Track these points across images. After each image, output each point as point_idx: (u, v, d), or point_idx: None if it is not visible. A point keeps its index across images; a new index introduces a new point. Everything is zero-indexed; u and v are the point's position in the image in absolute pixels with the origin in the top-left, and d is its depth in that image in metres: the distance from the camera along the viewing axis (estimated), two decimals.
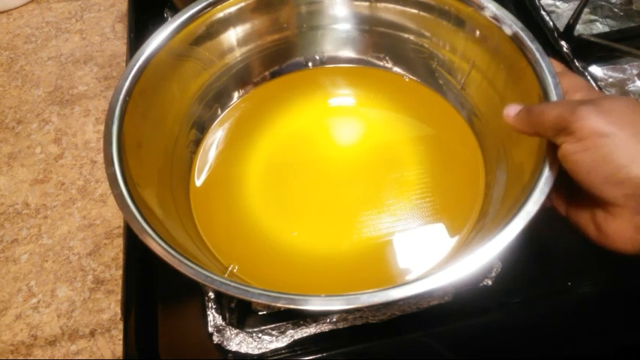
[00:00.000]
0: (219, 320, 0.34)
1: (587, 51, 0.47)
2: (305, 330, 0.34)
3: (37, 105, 0.53)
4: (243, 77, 0.44)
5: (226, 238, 0.37)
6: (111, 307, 0.40)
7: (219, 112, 0.44)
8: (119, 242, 0.43)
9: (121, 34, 0.59)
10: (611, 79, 0.47)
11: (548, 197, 0.27)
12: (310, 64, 0.46)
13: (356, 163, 0.41)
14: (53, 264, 0.42)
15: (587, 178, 0.24)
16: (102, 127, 0.33)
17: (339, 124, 0.43)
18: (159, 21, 0.52)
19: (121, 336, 0.37)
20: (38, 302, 0.41)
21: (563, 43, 0.48)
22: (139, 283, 0.36)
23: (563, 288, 0.36)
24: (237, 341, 0.34)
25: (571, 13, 0.49)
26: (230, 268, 0.35)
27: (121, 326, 0.37)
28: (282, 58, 0.45)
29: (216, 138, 0.42)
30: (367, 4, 0.42)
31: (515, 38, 0.34)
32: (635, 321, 0.35)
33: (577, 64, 0.47)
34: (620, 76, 0.47)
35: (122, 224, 0.42)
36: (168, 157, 0.38)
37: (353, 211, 0.38)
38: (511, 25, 0.35)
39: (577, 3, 0.49)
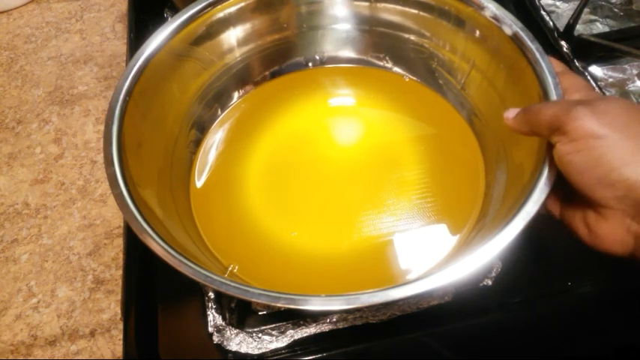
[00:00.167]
0: (219, 320, 0.34)
1: (587, 51, 0.47)
2: (305, 330, 0.34)
3: (37, 105, 0.53)
4: (243, 77, 0.44)
5: (226, 238, 0.37)
6: (111, 307, 0.40)
7: (219, 112, 0.44)
8: (119, 242, 0.43)
9: (121, 34, 0.59)
10: (611, 79, 0.47)
11: (543, 204, 0.27)
12: (310, 64, 0.46)
13: (356, 163, 0.41)
14: (53, 264, 0.42)
15: (580, 179, 0.25)
16: (102, 127, 0.33)
17: (339, 124, 0.43)
18: (159, 21, 0.53)
19: (121, 336, 0.37)
20: (38, 302, 0.41)
21: (563, 43, 0.48)
22: (139, 283, 0.36)
23: (563, 288, 0.36)
24: (237, 341, 0.34)
25: (571, 13, 0.49)
26: (230, 268, 0.35)
27: (121, 326, 0.37)
28: (282, 58, 0.45)
29: (216, 138, 0.42)
30: (367, 4, 0.42)
31: (515, 38, 0.34)
32: (635, 321, 0.35)
33: (577, 64, 0.47)
34: (620, 76, 0.47)
35: (122, 224, 0.42)
36: (168, 157, 0.38)
37: (353, 211, 0.38)
38: (511, 25, 0.35)
39: (577, 3, 0.49)
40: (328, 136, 0.43)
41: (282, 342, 0.34)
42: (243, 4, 0.41)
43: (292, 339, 0.34)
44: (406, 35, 0.43)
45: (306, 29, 0.44)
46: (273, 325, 0.35)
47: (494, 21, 0.36)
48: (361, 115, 0.43)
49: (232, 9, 0.40)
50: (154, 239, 0.28)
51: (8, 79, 0.56)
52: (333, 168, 0.41)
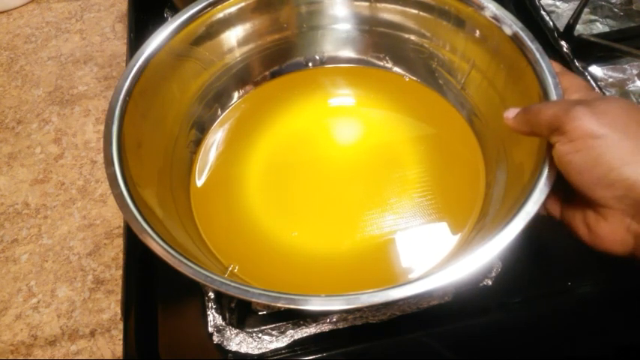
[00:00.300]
0: (219, 320, 0.34)
1: (587, 51, 0.47)
2: (305, 330, 0.34)
3: (37, 105, 0.53)
4: (243, 77, 0.44)
5: (226, 238, 0.37)
6: (111, 307, 0.40)
7: (220, 112, 0.44)
8: (119, 242, 0.43)
9: (121, 34, 0.59)
10: (611, 79, 0.47)
11: (542, 205, 0.27)
12: (310, 64, 0.46)
13: (356, 163, 0.41)
14: (53, 264, 0.42)
15: (579, 179, 0.25)
16: (102, 127, 0.33)
17: (339, 124, 0.43)
18: (159, 21, 0.53)
19: (121, 336, 0.37)
20: (38, 302, 0.41)
21: (563, 43, 0.48)
22: (139, 283, 0.36)
23: (563, 288, 0.36)
24: (237, 341, 0.34)
25: (571, 13, 0.49)
26: (230, 268, 0.35)
27: (121, 326, 0.37)
28: (282, 58, 0.45)
29: (216, 138, 0.42)
30: (367, 4, 0.42)
31: (515, 38, 0.34)
32: (635, 321, 0.35)
33: (577, 64, 0.47)
34: (620, 76, 0.47)
35: (122, 224, 0.42)
36: (168, 157, 0.38)
37: (353, 211, 0.38)
38: (511, 25, 0.35)
39: (577, 3, 0.49)
40: (328, 136, 0.43)
41: (282, 342, 0.34)
42: (243, 4, 0.41)
43: (292, 339, 0.34)
44: (406, 35, 0.43)
45: (306, 29, 0.44)
46: (273, 325, 0.35)
47: (494, 21, 0.36)
48: (361, 115, 0.43)
49: (232, 9, 0.40)
50: (153, 239, 0.28)
51: (8, 79, 0.56)
52: (333, 168, 0.41)
